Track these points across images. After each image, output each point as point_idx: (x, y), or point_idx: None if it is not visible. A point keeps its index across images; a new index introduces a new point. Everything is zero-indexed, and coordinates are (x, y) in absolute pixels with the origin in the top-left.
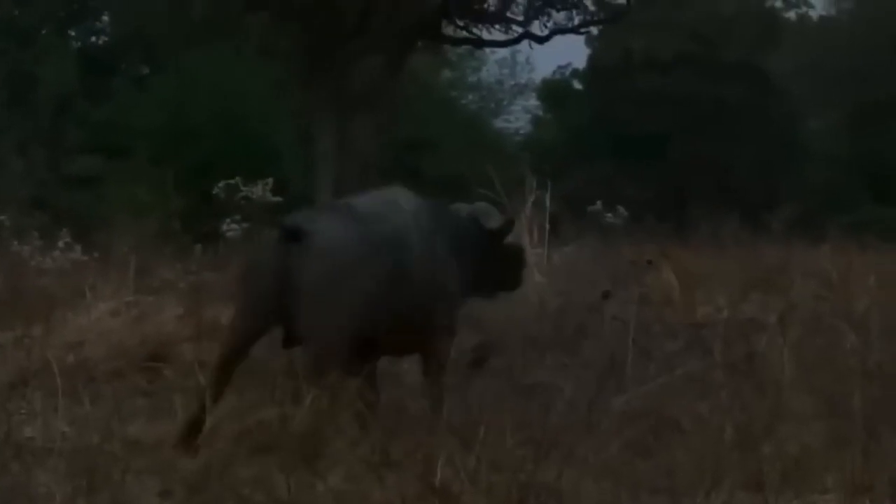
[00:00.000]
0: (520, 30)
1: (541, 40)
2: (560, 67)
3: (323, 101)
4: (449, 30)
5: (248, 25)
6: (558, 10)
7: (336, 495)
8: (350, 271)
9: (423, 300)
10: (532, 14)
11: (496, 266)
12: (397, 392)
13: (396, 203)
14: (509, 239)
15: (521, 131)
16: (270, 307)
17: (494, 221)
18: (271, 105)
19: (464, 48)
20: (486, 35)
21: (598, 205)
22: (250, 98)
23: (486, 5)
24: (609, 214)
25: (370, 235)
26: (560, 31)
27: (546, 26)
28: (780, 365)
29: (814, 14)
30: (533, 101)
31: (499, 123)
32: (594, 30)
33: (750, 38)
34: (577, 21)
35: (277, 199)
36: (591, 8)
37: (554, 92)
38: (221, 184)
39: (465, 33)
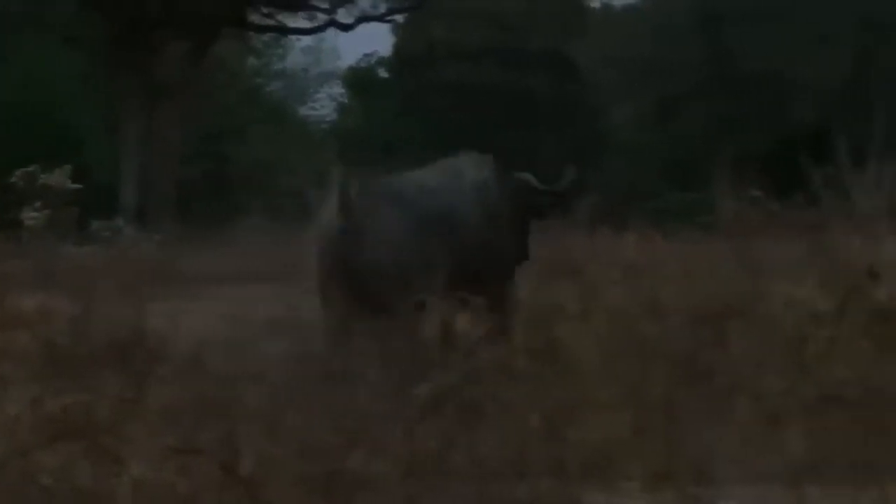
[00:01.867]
0: (325, 17)
1: (346, 28)
2: (365, 55)
3: (129, 89)
4: (254, 17)
5: (53, 15)
6: None
7: (139, 484)
8: (396, 257)
9: (479, 266)
10: (337, 2)
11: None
12: (202, 383)
13: (458, 176)
14: None
15: (327, 119)
16: (340, 285)
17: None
18: (77, 94)
19: (269, 36)
20: (291, 23)
21: None
22: (55, 87)
23: None
24: None
25: (418, 218)
26: (365, 18)
27: (351, 14)
28: (583, 352)
29: (617, 3)
30: (338, 89)
31: (304, 111)
32: (399, 18)
33: (555, 27)
34: (382, 9)
35: (77, 186)
36: None
37: (359, 80)
38: (19, 172)
39: (270, 21)
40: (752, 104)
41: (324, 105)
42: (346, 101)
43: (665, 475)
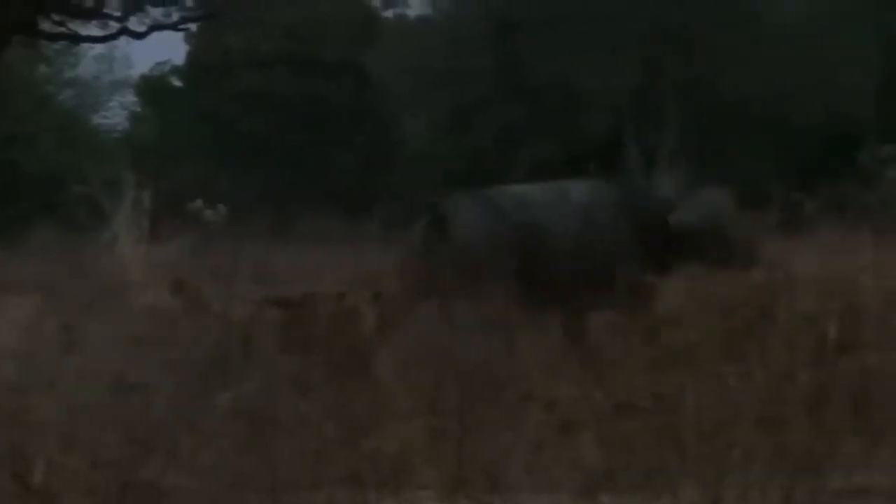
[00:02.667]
0: (117, 25)
1: (138, 36)
2: (158, 64)
3: None
4: (45, 25)
5: None
6: (156, 7)
7: None
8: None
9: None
10: (129, 10)
11: None
12: None
13: (561, 192)
14: None
15: (119, 128)
16: None
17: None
18: None
19: (60, 43)
20: (83, 30)
21: (199, 202)
22: None
23: (82, 1)
24: (210, 212)
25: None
26: (158, 27)
27: (143, 22)
28: (381, 362)
29: (411, 13)
30: (131, 98)
31: (97, 120)
32: (192, 27)
33: (349, 36)
34: (175, 18)
35: None
36: (189, 4)
37: (152, 89)
38: None
39: (62, 29)
40: (544, 113)
41: (116, 114)
42: (138, 109)
43: (459, 483)
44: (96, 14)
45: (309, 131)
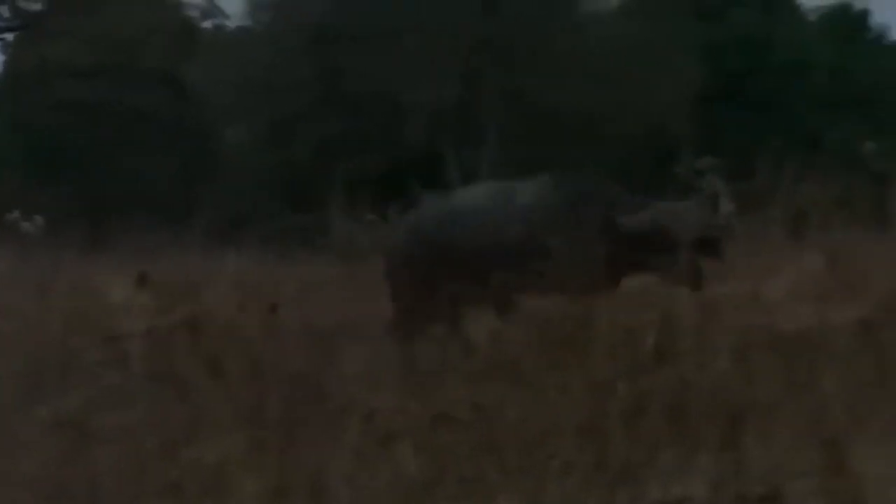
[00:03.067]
0: None
1: None
2: None
3: None
4: None
5: None
6: None
7: None
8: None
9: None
10: None
11: None
12: None
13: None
14: None
15: None
16: None
17: None
18: None
19: None
20: None
21: (16, 214)
22: None
23: None
24: (27, 223)
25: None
26: None
27: None
28: (199, 373)
29: (230, 24)
30: None
31: None
32: (9, 36)
33: (167, 47)
34: None
35: None
36: (6, 14)
37: None
38: None
39: None
40: (365, 125)
41: None
42: None
43: (280, 493)
44: None
45: (127, 142)
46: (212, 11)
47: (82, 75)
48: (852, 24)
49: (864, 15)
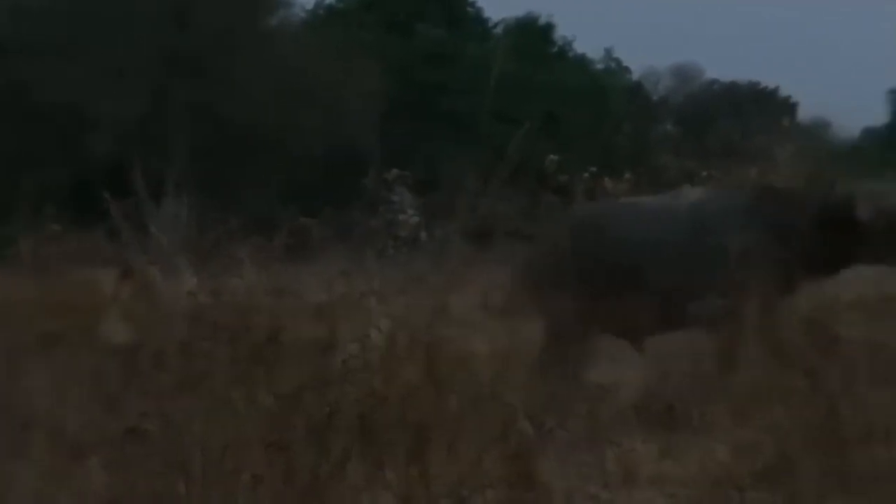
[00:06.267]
0: None
1: None
2: None
3: None
4: None
5: None
6: None
7: None
8: None
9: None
10: None
11: None
12: None
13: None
14: None
15: None
16: None
17: None
18: None
19: None
20: None
21: None
22: None
23: None
24: None
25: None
26: None
27: None
28: None
29: None
30: None
31: None
32: None
33: None
34: None
35: None
36: None
37: None
38: None
39: None
40: (50, 138)
41: None
42: None
43: None
44: None
45: None
46: None
47: None
48: (536, 38)
49: (548, 28)
